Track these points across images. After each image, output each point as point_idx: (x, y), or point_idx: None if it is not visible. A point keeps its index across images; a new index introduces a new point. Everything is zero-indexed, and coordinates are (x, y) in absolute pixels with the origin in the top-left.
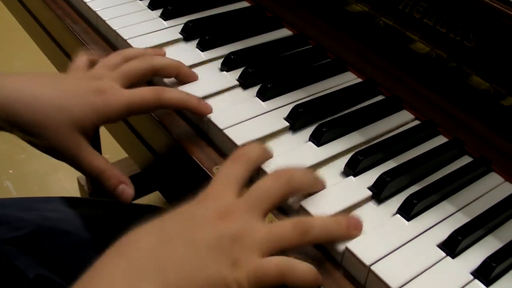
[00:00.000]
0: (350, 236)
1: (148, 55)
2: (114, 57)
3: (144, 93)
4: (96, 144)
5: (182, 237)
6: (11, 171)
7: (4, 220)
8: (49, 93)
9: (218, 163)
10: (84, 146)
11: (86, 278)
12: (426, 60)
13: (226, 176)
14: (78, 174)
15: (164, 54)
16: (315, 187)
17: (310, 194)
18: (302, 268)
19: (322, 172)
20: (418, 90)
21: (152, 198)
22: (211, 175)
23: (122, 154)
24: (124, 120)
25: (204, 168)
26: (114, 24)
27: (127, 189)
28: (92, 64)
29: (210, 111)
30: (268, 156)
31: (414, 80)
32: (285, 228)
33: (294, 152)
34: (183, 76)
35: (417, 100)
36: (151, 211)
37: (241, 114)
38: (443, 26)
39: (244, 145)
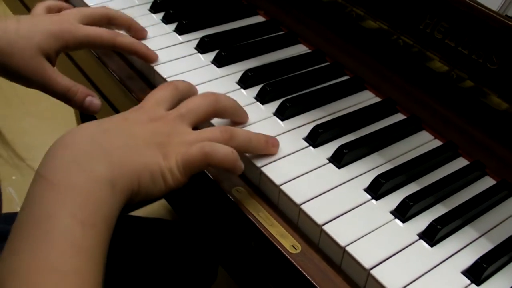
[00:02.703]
0: (268, 151)
1: (105, 7)
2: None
3: (102, 31)
4: None
5: (119, 130)
6: (14, 177)
7: None
8: (14, 25)
9: (236, 184)
10: (49, 67)
11: (39, 171)
12: (445, 80)
13: (156, 96)
14: None
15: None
16: (238, 113)
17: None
18: (223, 149)
19: (344, 194)
20: (437, 110)
21: (156, 206)
22: (223, 189)
23: None
24: None
25: (213, 178)
26: None
27: (94, 100)
28: (49, 11)
29: (156, 58)
30: (193, 90)
31: (433, 100)
32: (214, 132)
33: (316, 172)
34: (134, 30)
35: (437, 120)
36: (158, 225)
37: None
38: (465, 48)
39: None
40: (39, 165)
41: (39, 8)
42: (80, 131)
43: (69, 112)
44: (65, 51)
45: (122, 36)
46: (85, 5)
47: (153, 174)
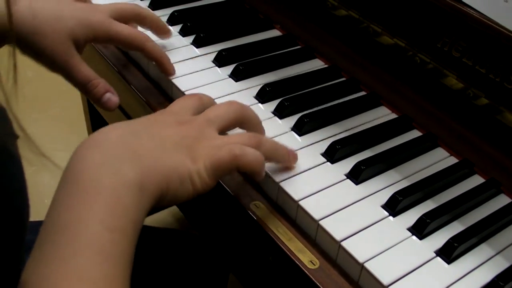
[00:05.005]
0: (289, 163)
1: (136, 4)
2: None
3: (134, 32)
4: None
5: (148, 132)
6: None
7: None
8: (50, 6)
9: (254, 199)
10: (76, 55)
11: (68, 171)
12: (462, 97)
13: (182, 102)
14: None
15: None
16: (260, 126)
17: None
18: (252, 152)
19: (362, 210)
20: (453, 127)
21: (163, 215)
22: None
23: None
24: None
25: (232, 193)
26: None
27: (112, 97)
28: None
29: (173, 74)
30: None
31: (449, 117)
32: (242, 137)
33: (334, 188)
34: (162, 30)
35: (452, 137)
36: (169, 235)
37: None
38: (483, 67)
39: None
40: (67, 165)
41: None
42: (110, 132)
43: (78, 117)
44: (93, 42)
45: (151, 42)
46: None
47: (181, 177)
